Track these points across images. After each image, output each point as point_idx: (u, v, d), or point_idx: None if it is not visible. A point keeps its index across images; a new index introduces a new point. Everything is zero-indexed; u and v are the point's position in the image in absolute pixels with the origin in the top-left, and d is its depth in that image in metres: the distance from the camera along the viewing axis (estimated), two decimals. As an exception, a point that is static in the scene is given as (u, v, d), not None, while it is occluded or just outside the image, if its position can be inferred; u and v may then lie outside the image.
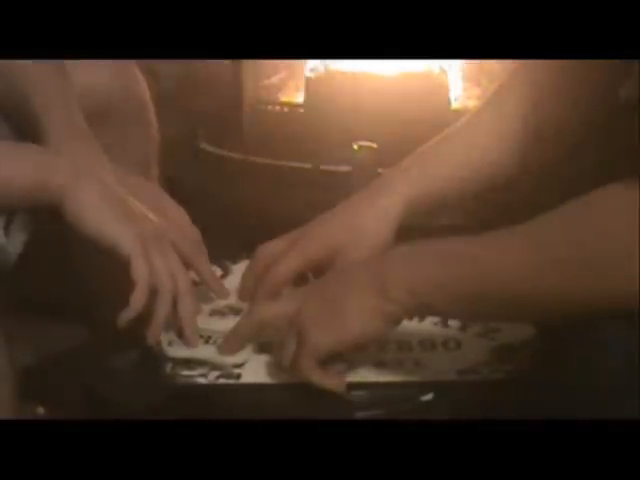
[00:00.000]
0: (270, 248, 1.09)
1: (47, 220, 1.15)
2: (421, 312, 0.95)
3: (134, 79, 1.33)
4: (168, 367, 0.99)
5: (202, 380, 0.97)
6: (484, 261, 0.86)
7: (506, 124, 1.09)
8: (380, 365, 0.97)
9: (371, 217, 1.08)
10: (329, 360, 0.94)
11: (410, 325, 1.01)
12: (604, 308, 0.80)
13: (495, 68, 1.66)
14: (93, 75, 1.23)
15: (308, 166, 1.71)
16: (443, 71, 1.74)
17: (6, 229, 1.11)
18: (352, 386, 0.94)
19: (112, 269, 1.04)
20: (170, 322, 1.01)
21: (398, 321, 0.93)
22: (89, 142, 1.13)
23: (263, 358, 0.99)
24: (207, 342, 1.02)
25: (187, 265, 1.05)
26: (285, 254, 1.06)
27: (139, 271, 0.97)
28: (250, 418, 0.89)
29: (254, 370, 0.98)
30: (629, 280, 0.78)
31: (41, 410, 1.05)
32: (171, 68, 1.71)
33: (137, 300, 0.97)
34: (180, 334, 1.01)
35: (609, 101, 1.07)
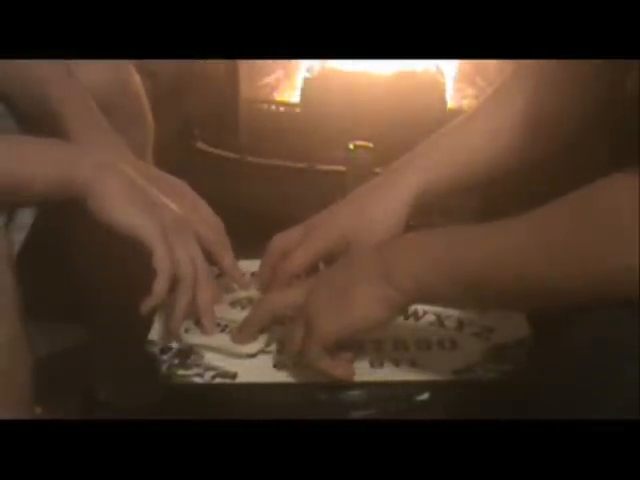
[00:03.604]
0: (284, 239, 1.10)
1: (49, 217, 1.15)
2: (424, 299, 0.95)
3: (129, 77, 1.33)
4: (164, 367, 0.99)
5: (198, 380, 0.97)
6: (486, 247, 0.86)
7: (506, 119, 1.10)
8: (376, 365, 0.98)
9: (382, 207, 1.09)
10: (336, 349, 0.94)
11: (406, 324, 1.02)
12: (604, 297, 0.80)
13: (490, 68, 1.66)
14: (89, 73, 1.23)
15: (304, 165, 1.71)
16: (439, 71, 1.74)
17: (7, 226, 1.11)
18: (348, 386, 0.94)
19: (112, 268, 1.04)
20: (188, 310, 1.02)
21: (403, 308, 0.93)
22: (110, 135, 1.14)
23: (260, 358, 1.00)
24: (223, 331, 1.03)
25: (210, 255, 1.06)
26: (300, 244, 1.08)
27: (161, 261, 0.98)
28: (246, 418, 0.89)
29: (250, 370, 0.98)
30: (629, 269, 0.78)
31: (38, 410, 1.05)
32: (167, 68, 1.70)
33: (159, 289, 0.98)
34: (198, 322, 1.03)
35: (609, 95, 1.08)
